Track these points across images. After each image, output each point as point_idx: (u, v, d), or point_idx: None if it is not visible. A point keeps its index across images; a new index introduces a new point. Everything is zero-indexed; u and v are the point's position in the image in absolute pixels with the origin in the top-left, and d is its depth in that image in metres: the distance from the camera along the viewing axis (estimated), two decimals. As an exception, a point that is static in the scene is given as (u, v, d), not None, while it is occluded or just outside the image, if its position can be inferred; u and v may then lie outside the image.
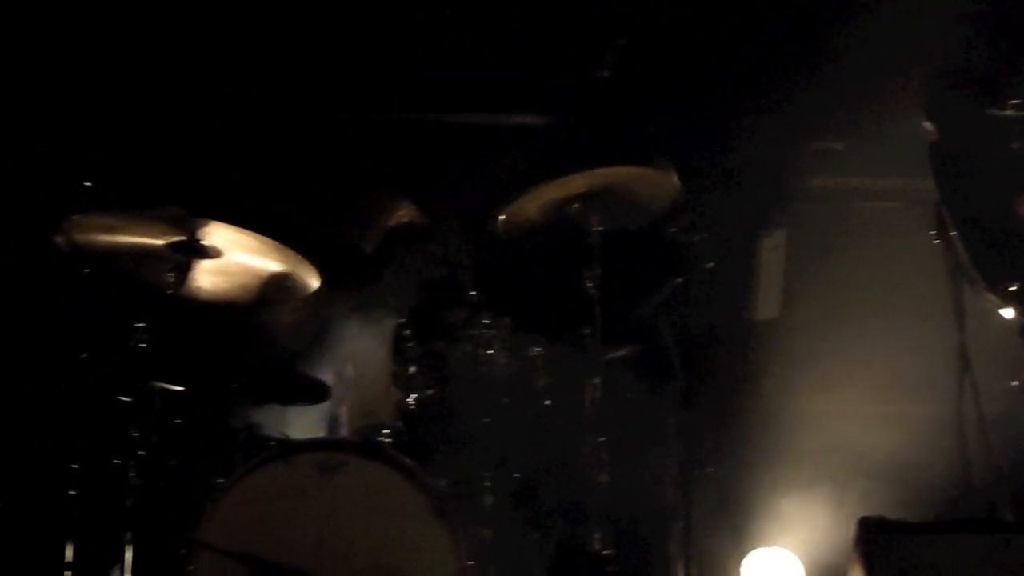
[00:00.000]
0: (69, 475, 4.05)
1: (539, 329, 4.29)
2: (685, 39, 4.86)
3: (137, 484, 3.69)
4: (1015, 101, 3.35)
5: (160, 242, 3.81)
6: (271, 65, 5.03)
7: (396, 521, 3.68)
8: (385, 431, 4.14)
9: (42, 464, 4.35)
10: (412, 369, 4.18)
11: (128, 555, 3.66)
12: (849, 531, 3.25)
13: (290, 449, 3.78)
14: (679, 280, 4.53)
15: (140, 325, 3.80)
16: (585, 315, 4.14)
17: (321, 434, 4.63)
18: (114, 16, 4.74)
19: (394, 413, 4.23)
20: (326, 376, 4.60)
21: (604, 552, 3.95)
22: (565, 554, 4.12)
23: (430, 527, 3.66)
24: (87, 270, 4.05)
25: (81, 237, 3.79)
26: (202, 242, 3.82)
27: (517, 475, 4.12)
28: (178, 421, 4.05)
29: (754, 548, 4.33)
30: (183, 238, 3.80)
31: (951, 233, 3.33)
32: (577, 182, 4.12)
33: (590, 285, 4.12)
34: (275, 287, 4.07)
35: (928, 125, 3.23)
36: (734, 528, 4.43)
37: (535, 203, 4.18)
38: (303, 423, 4.55)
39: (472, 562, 3.74)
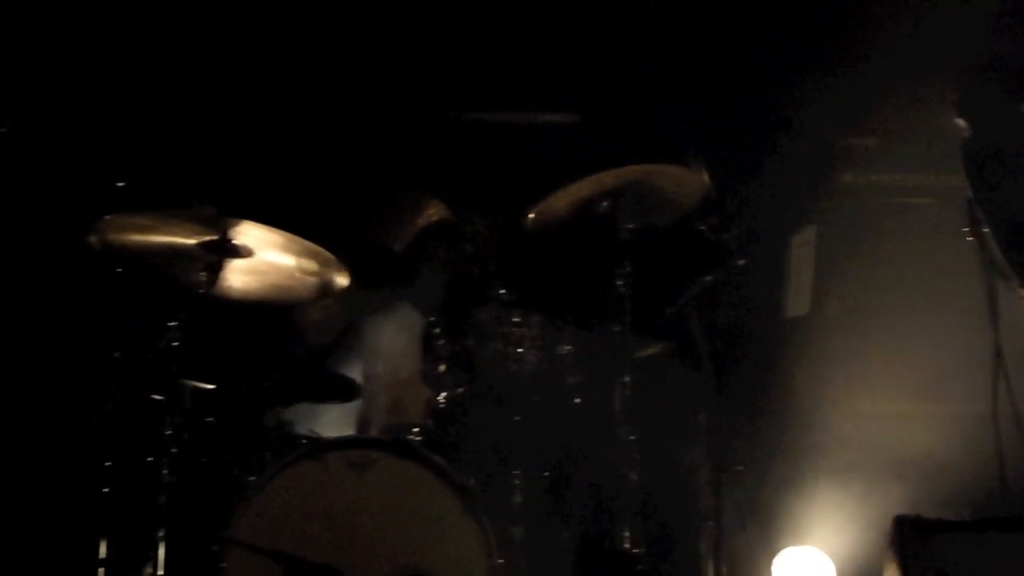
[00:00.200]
0: (102, 473, 4.09)
1: (569, 327, 4.29)
2: (716, 36, 4.84)
3: (170, 482, 3.71)
4: (1049, 97, 3.31)
5: (192, 242, 3.84)
6: (301, 64, 5.05)
7: (427, 519, 3.70)
8: (415, 429, 4.14)
9: (76, 462, 4.39)
10: (442, 367, 4.18)
11: (161, 552, 3.68)
12: (880, 530, 3.22)
13: (321, 447, 3.80)
14: (709, 277, 4.52)
15: (172, 324, 3.82)
16: (615, 313, 4.13)
17: (351, 432, 4.65)
18: (146, 20, 4.77)
19: (424, 411, 4.24)
20: (356, 374, 4.61)
21: (634, 550, 3.94)
22: (595, 552, 4.12)
23: (460, 525, 3.68)
24: (120, 270, 4.08)
25: (114, 237, 3.83)
26: (234, 241, 3.84)
27: (547, 473, 4.12)
28: (210, 419, 4.07)
29: (785, 547, 4.31)
30: (215, 237, 3.82)
31: (984, 230, 3.29)
32: (607, 180, 4.11)
33: (620, 283, 4.11)
34: (306, 286, 4.09)
35: (960, 122, 3.20)
36: (765, 526, 4.41)
37: (565, 201, 4.17)
38: (333, 421, 4.56)
39: (502, 560, 3.74)
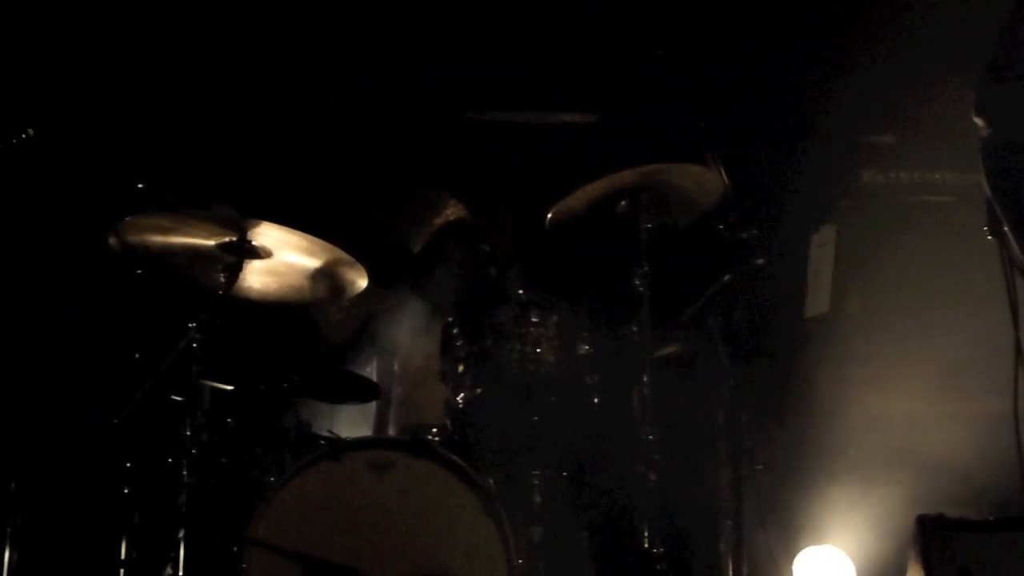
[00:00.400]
0: (123, 474, 4.12)
1: (588, 327, 4.29)
2: (736, 35, 4.83)
3: (190, 482, 3.72)
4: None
5: (211, 243, 3.85)
6: (321, 64, 5.06)
7: (446, 519, 3.70)
8: (433, 429, 4.15)
9: (97, 463, 4.41)
10: (460, 368, 4.18)
11: (181, 552, 3.69)
12: (900, 530, 3.21)
13: (340, 447, 3.81)
14: (728, 277, 4.51)
15: (192, 325, 3.83)
16: (634, 313, 4.13)
17: (370, 433, 4.66)
18: (165, 24, 4.80)
19: (442, 412, 4.24)
20: (375, 375, 4.62)
21: (654, 550, 3.93)
22: (614, 552, 4.11)
23: (479, 525, 3.68)
24: (140, 271, 4.10)
25: (134, 238, 3.84)
26: (253, 243, 3.85)
27: (566, 473, 4.11)
28: (229, 420, 4.08)
29: (805, 546, 4.30)
30: (234, 239, 3.83)
31: (1004, 228, 3.28)
32: (625, 179, 4.11)
33: (638, 282, 4.11)
34: (324, 287, 4.10)
35: (978, 120, 3.18)
36: (785, 526, 4.40)
37: (583, 200, 4.17)
38: (352, 422, 4.58)
39: (521, 560, 3.75)
